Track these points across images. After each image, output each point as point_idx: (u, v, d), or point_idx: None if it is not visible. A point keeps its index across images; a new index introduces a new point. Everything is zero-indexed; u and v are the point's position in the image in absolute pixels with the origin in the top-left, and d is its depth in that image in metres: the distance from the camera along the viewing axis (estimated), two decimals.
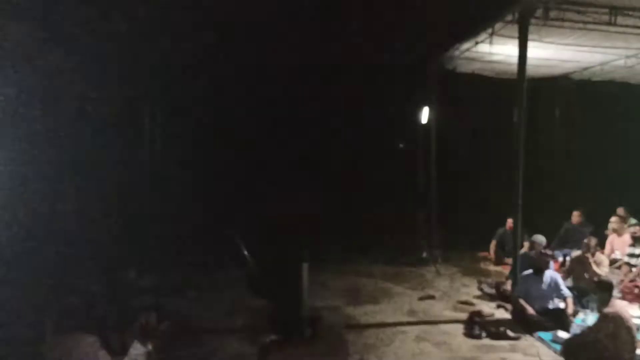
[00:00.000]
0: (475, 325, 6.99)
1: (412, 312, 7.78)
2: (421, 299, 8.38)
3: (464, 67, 11.19)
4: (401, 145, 15.84)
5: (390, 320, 7.42)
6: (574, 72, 11.33)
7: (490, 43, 8.93)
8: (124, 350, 4.52)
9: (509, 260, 8.74)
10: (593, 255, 8.30)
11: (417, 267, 10.39)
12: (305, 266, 4.29)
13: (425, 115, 11.70)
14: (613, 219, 9.86)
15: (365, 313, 7.73)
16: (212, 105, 14.17)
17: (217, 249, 8.80)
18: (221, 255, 8.82)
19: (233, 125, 14.30)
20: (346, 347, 4.32)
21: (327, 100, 15.77)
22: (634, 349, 5.87)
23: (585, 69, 10.89)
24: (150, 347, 4.61)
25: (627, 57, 9.67)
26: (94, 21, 9.28)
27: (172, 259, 9.59)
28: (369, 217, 12.65)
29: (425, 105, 11.73)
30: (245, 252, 5.75)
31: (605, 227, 9.96)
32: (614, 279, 8.44)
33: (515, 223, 7.79)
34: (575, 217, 10.37)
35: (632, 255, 8.88)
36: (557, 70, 11.09)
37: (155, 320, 4.69)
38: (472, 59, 10.42)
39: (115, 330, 4.73)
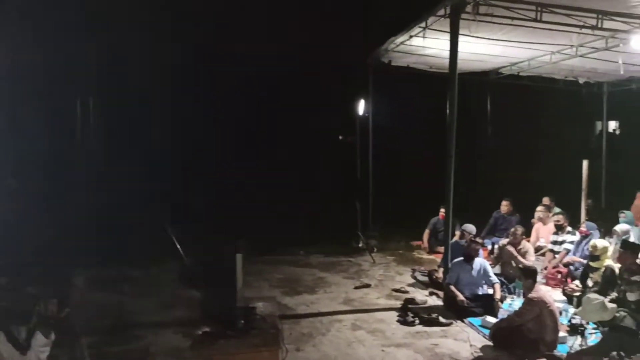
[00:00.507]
0: (409, 312, 7.18)
1: (348, 301, 7.90)
2: (357, 288, 8.52)
3: (399, 61, 11.38)
4: (341, 137, 16.03)
5: (326, 309, 7.50)
6: (504, 66, 11.71)
7: (424, 37, 9.13)
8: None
9: (442, 249, 8.99)
10: (519, 243, 8.64)
11: (354, 256, 10.55)
12: (239, 257, 4.26)
13: (361, 107, 11.84)
14: (539, 208, 10.28)
15: (302, 303, 7.79)
16: (146, 98, 13.93)
17: (152, 243, 8.62)
18: (156, 248, 8.65)
19: (168, 119, 14.10)
20: (280, 337, 4.33)
21: (269, 94, 15.80)
22: (557, 331, 6.18)
23: (514, 64, 11.28)
24: (52, 336, 4.39)
25: (552, 52, 10.07)
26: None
27: (107, 252, 9.31)
28: (308, 208, 12.75)
29: (362, 97, 11.86)
30: (178, 245, 5.65)
31: (532, 216, 10.39)
32: (539, 265, 8.87)
33: (447, 213, 8.03)
34: (504, 206, 10.77)
35: (555, 243, 9.32)
36: (488, 65, 11.44)
37: (55, 307, 4.47)
38: (407, 53, 10.61)
39: (21, 322, 4.49)
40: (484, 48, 9.75)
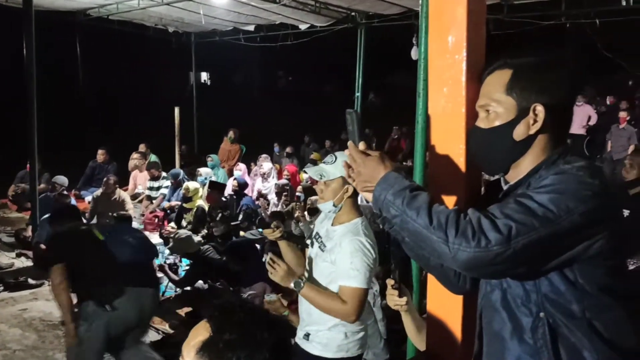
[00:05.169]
0: None
1: None
2: None
3: None
4: None
5: None
6: (92, 8, 10.98)
7: None
8: None
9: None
10: (114, 192, 8.49)
11: None
12: None
13: None
14: (134, 155, 10.28)
15: None
16: None
17: None
18: None
19: None
20: None
21: None
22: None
23: (102, 5, 10.65)
24: None
25: None
26: None
27: None
28: None
29: None
30: None
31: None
32: (137, 212, 8.97)
33: (32, 165, 7.29)
34: (100, 155, 10.35)
35: (152, 189, 9.54)
36: (73, 4, 10.54)
37: None
38: None
39: None
40: None
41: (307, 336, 2.83)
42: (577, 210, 1.37)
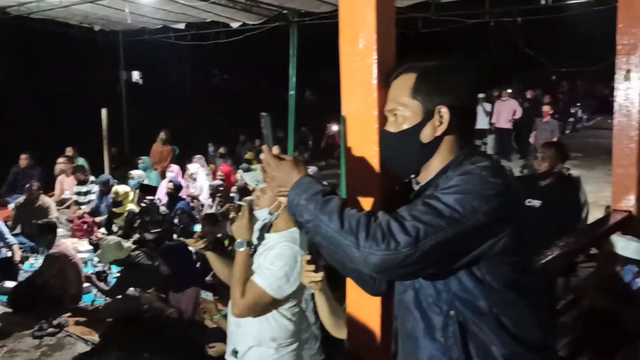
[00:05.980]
0: None
1: None
2: None
3: None
4: None
5: None
6: (11, 6, 10.48)
7: None
8: None
9: None
10: (37, 199, 8.13)
11: None
12: None
13: None
14: (60, 159, 9.91)
15: None
16: None
17: None
18: None
19: None
20: None
21: None
22: (81, 282, 6.12)
23: (22, 4, 10.18)
24: None
25: None
26: None
27: None
28: None
29: None
30: None
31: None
32: (64, 218, 8.64)
33: None
34: (23, 160, 9.89)
35: (79, 194, 9.20)
36: None
37: None
38: None
39: None
40: None
41: (235, 353, 2.69)
42: (482, 210, 1.40)
